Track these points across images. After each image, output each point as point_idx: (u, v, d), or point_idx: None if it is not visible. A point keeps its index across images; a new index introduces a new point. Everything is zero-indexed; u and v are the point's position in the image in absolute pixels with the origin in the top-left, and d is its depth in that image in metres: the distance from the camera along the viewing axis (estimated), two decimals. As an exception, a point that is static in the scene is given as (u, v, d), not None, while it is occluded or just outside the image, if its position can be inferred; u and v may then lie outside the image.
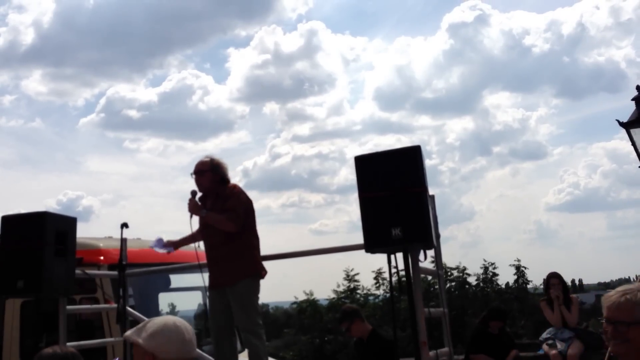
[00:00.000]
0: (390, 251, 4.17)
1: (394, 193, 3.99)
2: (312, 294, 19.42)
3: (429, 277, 10.63)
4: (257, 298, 4.86)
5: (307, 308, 19.08)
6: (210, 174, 4.85)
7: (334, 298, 19.32)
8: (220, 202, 4.78)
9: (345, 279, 19.38)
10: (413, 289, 4.09)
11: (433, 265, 5.14)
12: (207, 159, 4.93)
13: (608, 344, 2.36)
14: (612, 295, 2.31)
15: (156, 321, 2.30)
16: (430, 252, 4.54)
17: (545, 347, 6.61)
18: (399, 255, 4.17)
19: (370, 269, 19.50)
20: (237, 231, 4.70)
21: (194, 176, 4.87)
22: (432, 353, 4.22)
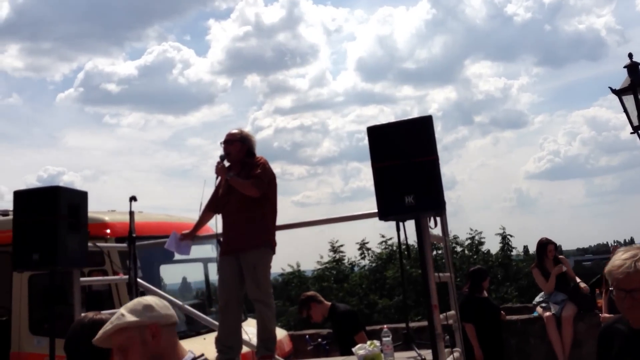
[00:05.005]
0: (401, 219, 4.29)
1: (407, 162, 4.09)
2: (298, 266, 19.68)
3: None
4: (269, 268, 4.95)
5: (294, 279, 19.33)
6: (239, 144, 4.99)
7: (319, 269, 19.58)
8: (245, 172, 4.87)
9: (330, 250, 19.65)
10: (425, 255, 4.21)
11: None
12: (238, 131, 5.07)
13: (626, 315, 2.23)
14: (624, 263, 2.15)
15: (136, 301, 2.17)
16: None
17: (539, 309, 6.85)
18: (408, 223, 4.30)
19: (354, 241, 19.80)
20: (259, 197, 4.81)
21: (223, 145, 5.00)
22: (442, 316, 4.38)
